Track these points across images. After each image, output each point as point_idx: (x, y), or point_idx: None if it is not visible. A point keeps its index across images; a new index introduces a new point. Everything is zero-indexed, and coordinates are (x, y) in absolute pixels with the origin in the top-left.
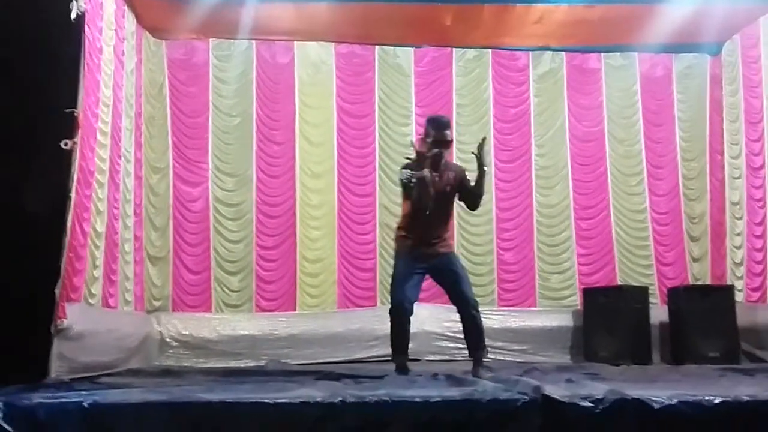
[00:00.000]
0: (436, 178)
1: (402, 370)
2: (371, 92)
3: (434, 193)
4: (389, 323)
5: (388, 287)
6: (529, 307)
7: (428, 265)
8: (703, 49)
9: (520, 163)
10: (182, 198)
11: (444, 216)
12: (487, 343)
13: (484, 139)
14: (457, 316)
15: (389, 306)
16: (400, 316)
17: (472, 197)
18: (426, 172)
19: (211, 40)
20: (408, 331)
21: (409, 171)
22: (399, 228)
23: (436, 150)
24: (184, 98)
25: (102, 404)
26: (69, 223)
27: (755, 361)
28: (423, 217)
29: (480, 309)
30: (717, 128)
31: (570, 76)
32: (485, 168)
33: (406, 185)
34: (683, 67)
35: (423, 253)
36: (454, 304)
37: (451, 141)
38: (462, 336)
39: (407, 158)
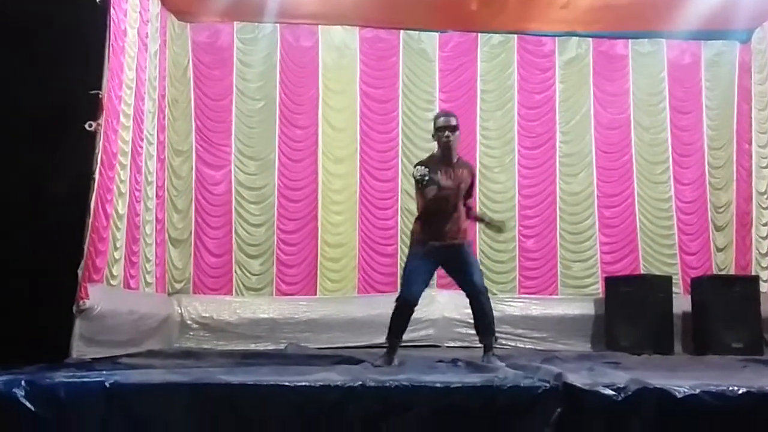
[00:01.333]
0: (450, 179)
1: (391, 352)
2: (395, 77)
3: (448, 193)
4: (394, 312)
5: None
6: (550, 294)
7: (440, 259)
8: (733, 36)
9: (544, 150)
10: (204, 181)
11: (457, 212)
12: (507, 330)
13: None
14: None
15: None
16: (405, 309)
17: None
18: (439, 176)
19: (235, 23)
20: (408, 321)
21: (422, 168)
22: (415, 221)
23: (444, 136)
24: (208, 81)
25: (123, 384)
26: (92, 205)
27: None
28: (436, 213)
29: (490, 296)
30: (745, 117)
31: (596, 62)
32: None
33: (419, 182)
34: (712, 55)
35: (436, 247)
36: (464, 292)
37: (456, 126)
38: None
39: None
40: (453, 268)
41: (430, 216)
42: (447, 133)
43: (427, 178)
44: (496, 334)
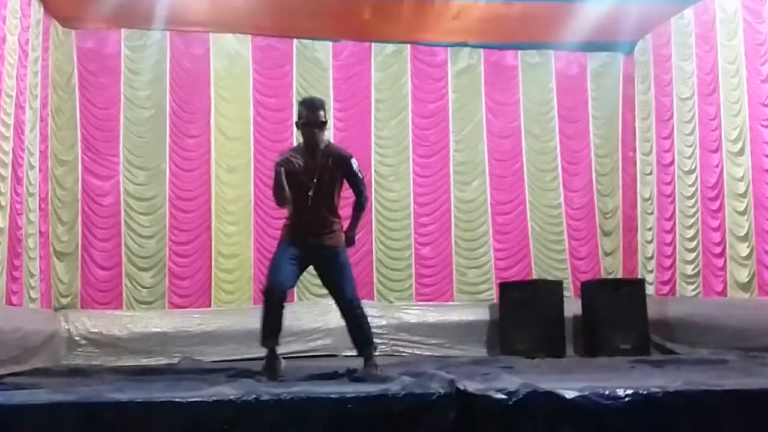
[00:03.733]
0: (307, 165)
1: (272, 359)
2: (289, 86)
3: (314, 182)
4: (262, 307)
5: (306, 283)
6: (446, 301)
7: (310, 255)
8: (617, 48)
9: (438, 159)
10: (91, 192)
11: (327, 205)
12: (405, 337)
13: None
14: (375, 311)
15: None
16: (273, 299)
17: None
18: (294, 160)
19: (123, 30)
20: (281, 316)
21: (278, 165)
22: (286, 218)
23: (308, 132)
24: (94, 89)
25: (5, 406)
26: None
27: (665, 352)
28: (303, 206)
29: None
30: (629, 126)
31: (487, 72)
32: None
33: (274, 177)
34: (597, 66)
35: (306, 243)
36: (337, 305)
37: (325, 122)
38: (381, 331)
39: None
40: (324, 274)
41: (297, 207)
42: (317, 130)
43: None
44: (375, 343)
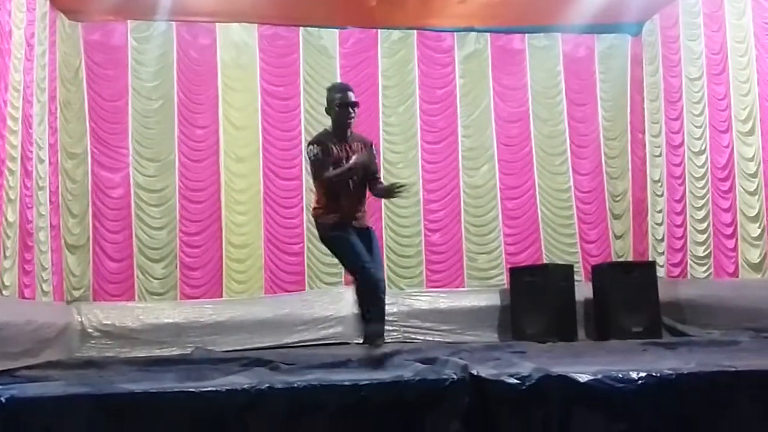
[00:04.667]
0: (345, 152)
1: (376, 344)
2: (296, 74)
3: (351, 172)
4: (357, 296)
5: (316, 271)
6: (457, 287)
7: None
8: (624, 29)
9: (447, 144)
10: (101, 184)
11: (363, 187)
12: (416, 323)
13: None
14: (390, 299)
15: (361, 278)
16: (370, 280)
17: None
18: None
19: (129, 21)
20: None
21: (315, 146)
22: (317, 208)
23: (348, 114)
24: (102, 81)
25: (20, 398)
26: None
27: (676, 334)
28: (340, 193)
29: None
30: (638, 107)
31: (495, 56)
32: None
33: (315, 162)
34: (605, 47)
35: (352, 224)
36: None
37: (357, 103)
38: (392, 318)
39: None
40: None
41: (337, 192)
42: (352, 110)
43: (320, 156)
44: (384, 335)
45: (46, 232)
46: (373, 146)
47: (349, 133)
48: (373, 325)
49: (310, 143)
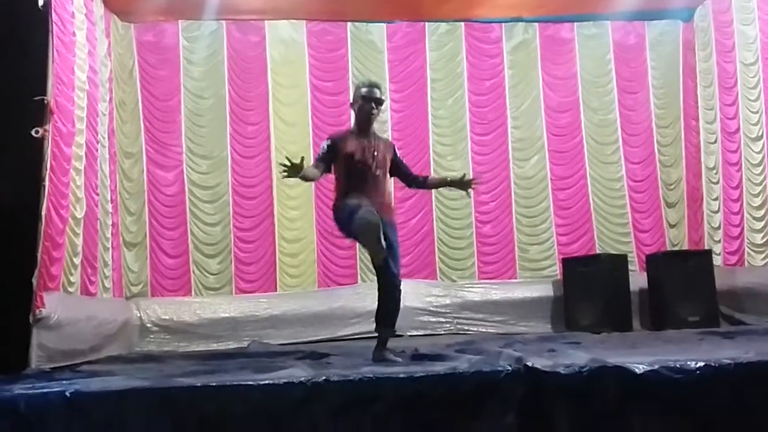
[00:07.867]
0: (366, 146)
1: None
2: (345, 69)
3: (373, 161)
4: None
5: (368, 264)
6: (509, 278)
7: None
8: (676, 15)
9: (496, 136)
10: (156, 182)
11: (384, 182)
12: (468, 315)
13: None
14: (438, 290)
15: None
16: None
17: (415, 184)
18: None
19: (180, 21)
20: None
21: (326, 142)
22: (338, 199)
23: (371, 108)
24: (155, 81)
25: (84, 393)
26: (44, 212)
27: (734, 323)
28: (360, 183)
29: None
30: (691, 94)
31: (543, 46)
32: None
33: (317, 156)
34: (656, 34)
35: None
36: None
37: (382, 100)
38: (445, 310)
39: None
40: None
41: (360, 181)
42: (375, 105)
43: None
44: (396, 330)
45: (109, 230)
46: (395, 147)
47: (371, 131)
48: (381, 330)
49: (329, 137)
